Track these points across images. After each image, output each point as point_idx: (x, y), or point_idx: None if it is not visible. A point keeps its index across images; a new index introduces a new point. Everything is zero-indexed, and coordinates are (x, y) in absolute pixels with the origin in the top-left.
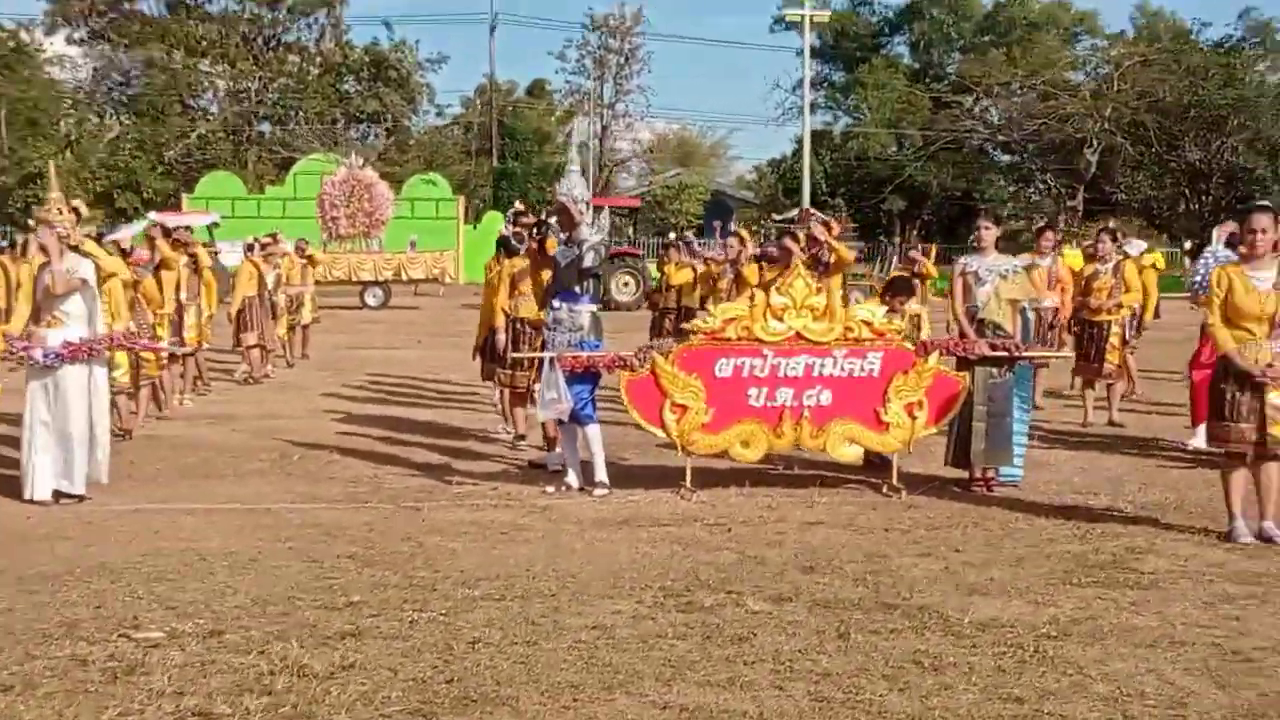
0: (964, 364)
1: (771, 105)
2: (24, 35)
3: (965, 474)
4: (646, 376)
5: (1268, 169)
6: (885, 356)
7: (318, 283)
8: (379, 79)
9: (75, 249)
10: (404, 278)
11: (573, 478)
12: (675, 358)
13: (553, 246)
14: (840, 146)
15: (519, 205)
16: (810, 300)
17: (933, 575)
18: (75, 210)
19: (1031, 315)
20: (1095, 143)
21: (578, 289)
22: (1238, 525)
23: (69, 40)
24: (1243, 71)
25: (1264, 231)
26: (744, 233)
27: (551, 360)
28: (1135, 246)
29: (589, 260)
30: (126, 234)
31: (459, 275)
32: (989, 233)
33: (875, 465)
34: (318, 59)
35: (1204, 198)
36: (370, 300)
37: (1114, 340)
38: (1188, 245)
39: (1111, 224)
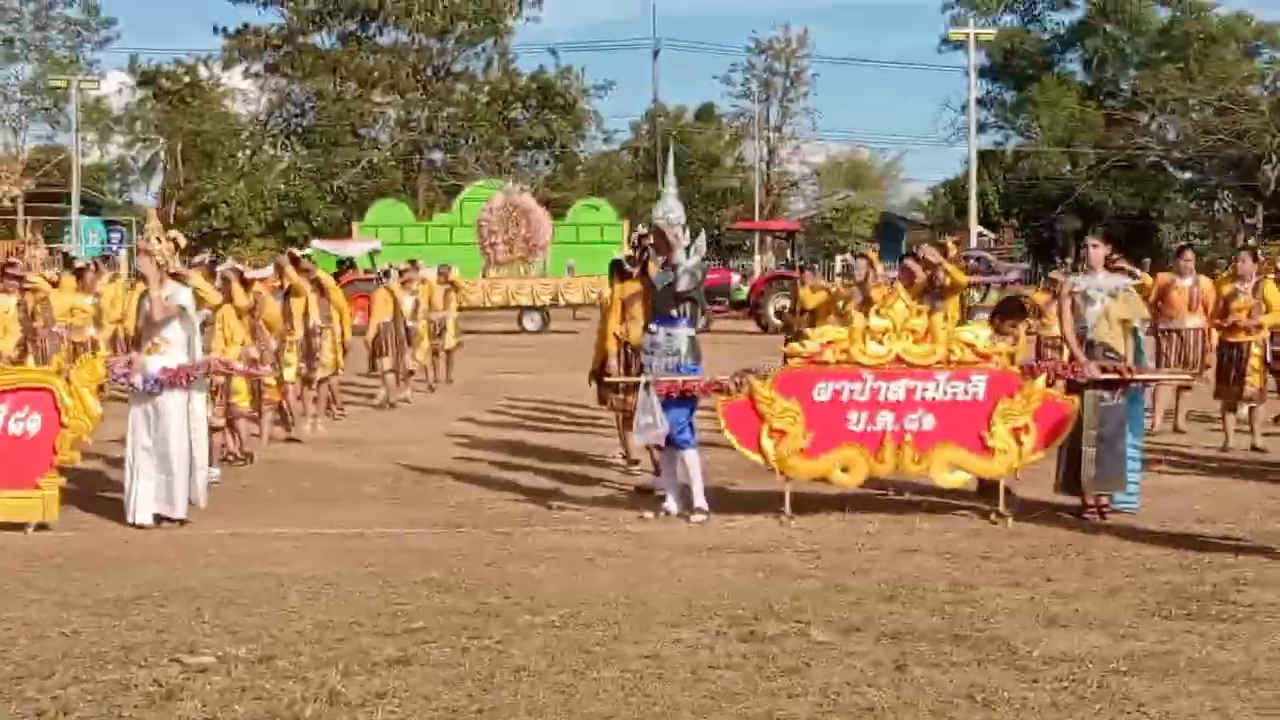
0: (1073, 387)
1: (941, 126)
2: (202, 70)
3: (1077, 501)
4: (744, 400)
5: None
6: (990, 379)
7: (475, 308)
8: (546, 106)
9: (175, 276)
10: (562, 302)
11: (671, 503)
12: (772, 382)
13: (655, 270)
14: (1012, 166)
15: (641, 229)
16: (911, 323)
17: (1015, 606)
18: (175, 240)
19: (1145, 336)
20: (1275, 159)
21: (674, 313)
22: None
23: (246, 74)
24: None
25: None
26: (872, 254)
27: (647, 384)
28: None
29: (683, 284)
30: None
31: None
32: (1097, 251)
33: (990, 490)
34: (485, 87)
35: None
36: (528, 324)
37: (1254, 362)
38: None
39: (1252, 242)
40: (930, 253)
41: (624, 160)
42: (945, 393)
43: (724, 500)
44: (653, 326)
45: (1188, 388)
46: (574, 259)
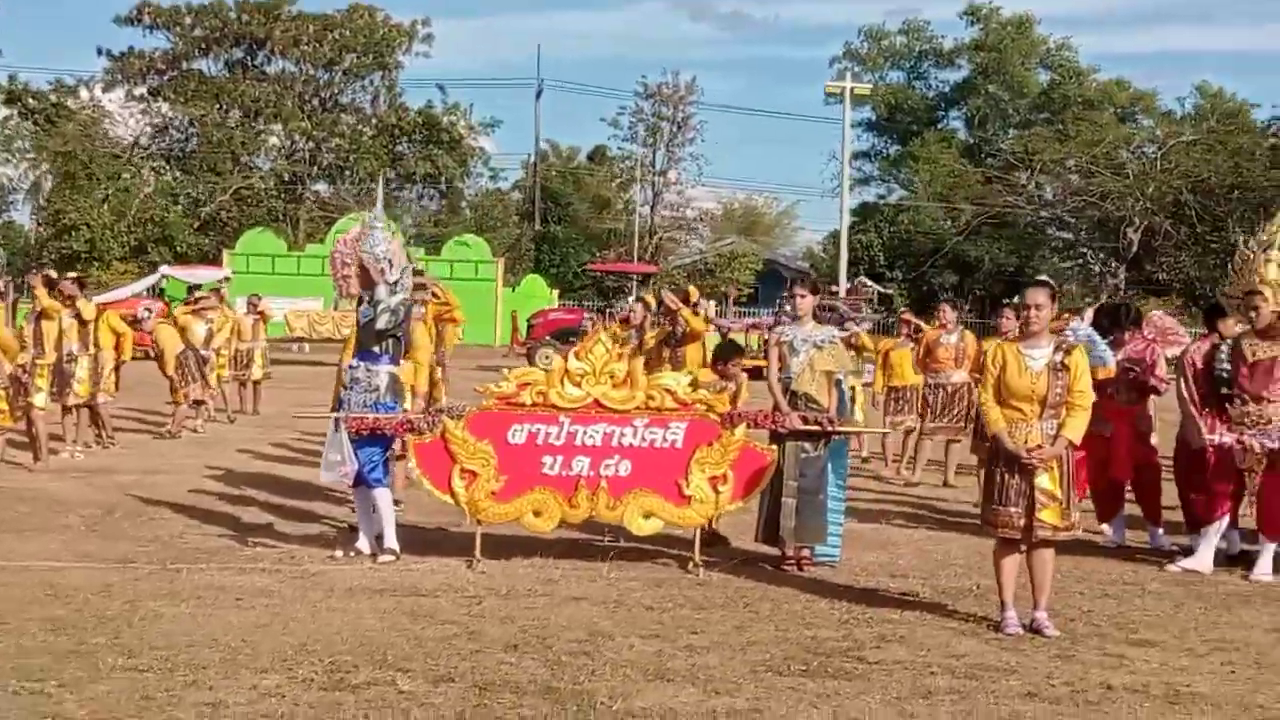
0: (777, 437)
1: (828, 177)
2: (84, 92)
3: (778, 551)
4: (436, 441)
5: None
6: (689, 427)
7: (326, 340)
8: (432, 141)
9: None
10: None
11: (364, 543)
12: (465, 422)
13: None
14: (892, 218)
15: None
16: (611, 367)
17: (635, 658)
18: None
19: (848, 388)
20: (1137, 221)
21: (376, 349)
22: (1009, 615)
23: (128, 97)
24: None
25: (1038, 308)
26: (649, 298)
27: (337, 421)
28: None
29: (383, 322)
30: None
31: (497, 336)
32: (805, 301)
33: (710, 540)
34: (373, 120)
35: None
36: None
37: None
38: None
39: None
40: (668, 298)
41: (513, 199)
42: (643, 439)
43: (432, 542)
44: (354, 362)
45: (956, 441)
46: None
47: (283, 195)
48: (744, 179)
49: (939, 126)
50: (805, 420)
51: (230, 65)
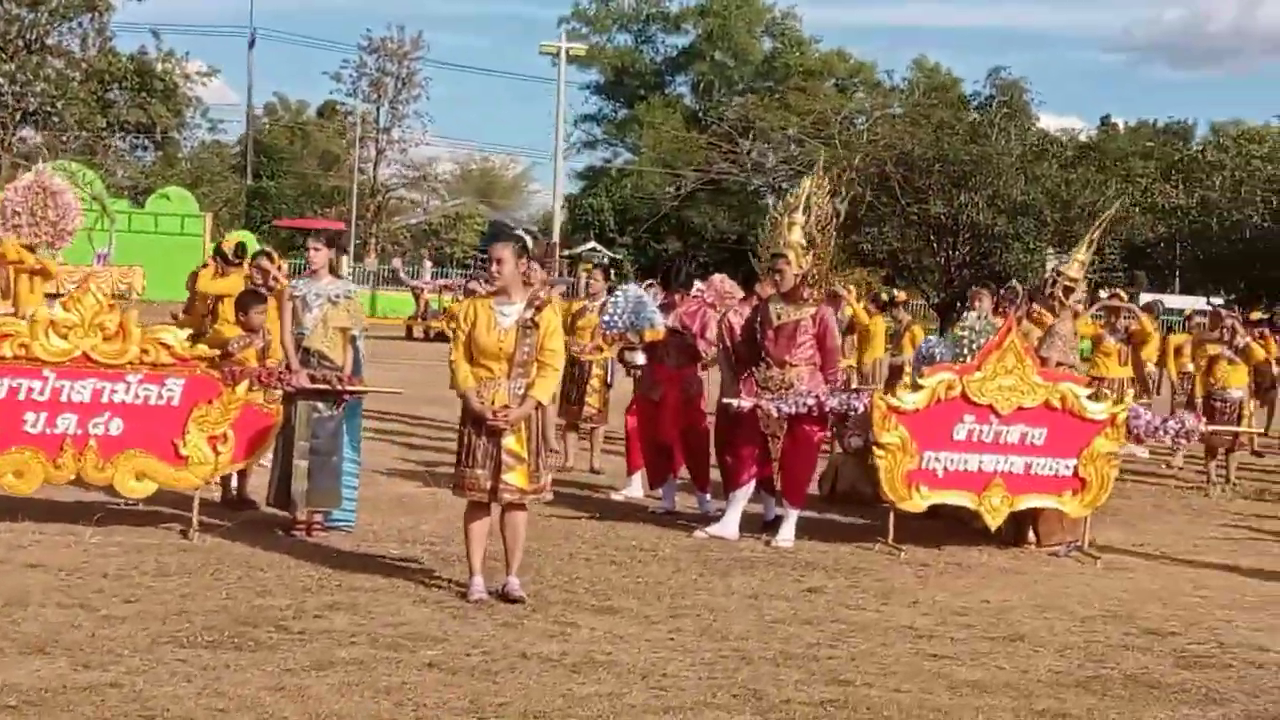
0: (288, 396)
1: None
2: None
3: (290, 514)
4: None
5: (1008, 227)
6: (187, 384)
7: None
8: (145, 89)
9: None
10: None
11: None
12: None
13: None
14: (616, 182)
15: None
16: (101, 318)
17: (31, 630)
18: None
19: (363, 345)
20: (843, 191)
21: None
22: (475, 581)
23: None
24: (987, 130)
25: (502, 262)
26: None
27: None
28: None
29: None
30: None
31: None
32: (319, 255)
33: (237, 504)
34: (82, 65)
35: (950, 252)
36: None
37: (594, 383)
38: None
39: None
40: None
41: (235, 152)
42: (137, 396)
43: None
44: None
45: None
46: (106, 248)
47: None
48: (481, 140)
49: (665, 92)
50: (315, 379)
51: None
